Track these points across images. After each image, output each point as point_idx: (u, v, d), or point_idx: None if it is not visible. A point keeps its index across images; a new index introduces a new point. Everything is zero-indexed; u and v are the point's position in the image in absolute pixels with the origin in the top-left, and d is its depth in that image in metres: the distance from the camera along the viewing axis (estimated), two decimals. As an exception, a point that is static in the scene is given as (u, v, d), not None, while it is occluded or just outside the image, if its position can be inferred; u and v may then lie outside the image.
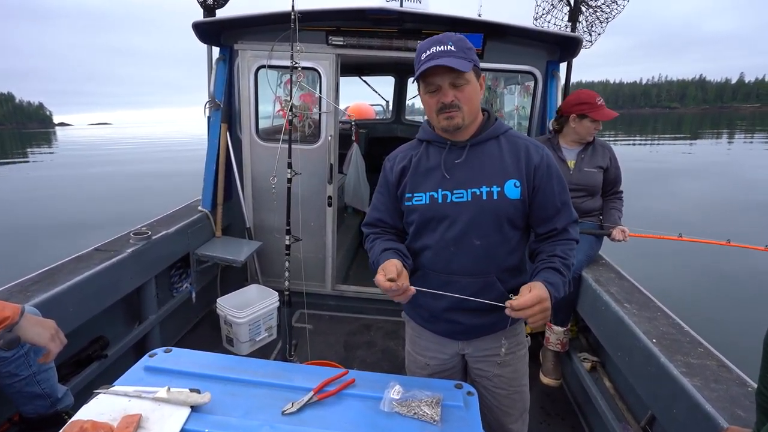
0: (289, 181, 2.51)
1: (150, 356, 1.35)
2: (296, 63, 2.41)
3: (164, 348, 1.39)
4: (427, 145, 1.41)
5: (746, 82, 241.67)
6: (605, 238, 2.63)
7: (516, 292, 1.19)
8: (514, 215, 1.33)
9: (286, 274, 2.47)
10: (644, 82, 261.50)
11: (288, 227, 2.51)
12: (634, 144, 28.82)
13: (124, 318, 2.55)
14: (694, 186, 12.64)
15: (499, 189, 1.31)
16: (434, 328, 1.50)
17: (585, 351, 2.46)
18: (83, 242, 2.54)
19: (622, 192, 2.69)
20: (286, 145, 2.51)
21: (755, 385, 1.42)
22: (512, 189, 1.31)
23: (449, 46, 1.23)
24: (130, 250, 2.40)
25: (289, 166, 2.49)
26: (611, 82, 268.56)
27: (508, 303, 1.15)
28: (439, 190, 1.34)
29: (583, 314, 2.36)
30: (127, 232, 2.64)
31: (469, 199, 1.31)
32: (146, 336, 2.64)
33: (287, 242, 2.50)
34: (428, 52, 1.25)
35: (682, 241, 2.92)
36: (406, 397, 1.20)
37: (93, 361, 2.15)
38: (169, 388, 1.13)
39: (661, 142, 30.24)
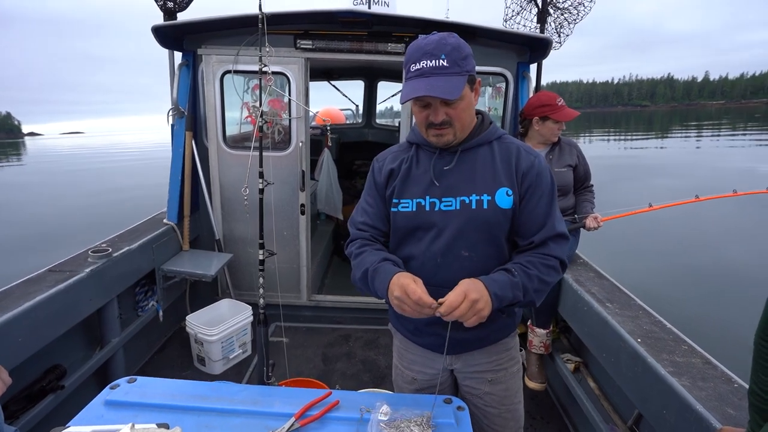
0: (261, 191, 2.34)
1: (111, 388, 1.22)
2: (265, 65, 2.29)
3: (127, 378, 1.27)
4: (417, 149, 1.33)
5: (711, 80, 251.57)
6: (581, 237, 2.64)
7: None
8: (505, 226, 1.24)
9: (261, 291, 2.30)
10: (616, 81, 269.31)
11: (261, 241, 2.34)
12: (608, 140, 29.93)
13: (83, 343, 2.37)
14: (665, 180, 13.10)
15: (489, 198, 1.22)
16: (420, 341, 1.42)
17: (567, 352, 2.45)
18: (50, 260, 2.35)
19: (592, 185, 2.72)
20: (257, 153, 2.36)
21: (741, 382, 1.42)
22: (504, 198, 1.22)
23: (442, 61, 1.12)
24: (88, 270, 2.24)
25: (261, 175, 2.33)
26: (584, 81, 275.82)
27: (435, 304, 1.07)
28: (427, 197, 1.25)
29: (565, 315, 2.35)
30: (85, 249, 2.47)
31: (458, 207, 1.23)
32: (109, 361, 2.47)
33: (260, 257, 2.33)
34: (418, 66, 1.14)
35: (653, 210, 2.88)
36: (394, 418, 1.12)
37: (48, 393, 1.98)
38: (133, 425, 1.02)
39: (635, 137, 31.52)
